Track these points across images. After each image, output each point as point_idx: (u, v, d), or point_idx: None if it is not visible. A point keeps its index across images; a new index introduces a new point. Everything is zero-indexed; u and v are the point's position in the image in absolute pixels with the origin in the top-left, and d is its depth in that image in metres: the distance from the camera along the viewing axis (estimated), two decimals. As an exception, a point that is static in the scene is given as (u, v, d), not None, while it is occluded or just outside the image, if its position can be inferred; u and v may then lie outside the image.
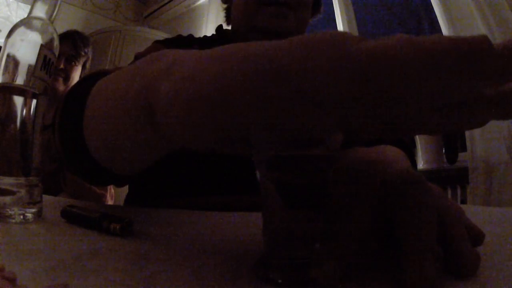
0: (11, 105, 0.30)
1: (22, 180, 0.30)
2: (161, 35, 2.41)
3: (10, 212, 0.28)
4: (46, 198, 0.33)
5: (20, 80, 0.30)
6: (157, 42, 0.63)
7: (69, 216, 0.30)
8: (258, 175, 0.19)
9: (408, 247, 0.19)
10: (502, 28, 1.48)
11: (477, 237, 0.22)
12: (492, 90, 0.17)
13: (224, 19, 0.72)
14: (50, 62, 0.32)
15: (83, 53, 1.33)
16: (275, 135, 0.18)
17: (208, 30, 2.42)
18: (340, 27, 2.00)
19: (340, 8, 2.03)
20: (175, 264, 0.21)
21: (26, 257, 0.20)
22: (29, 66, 0.30)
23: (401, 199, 0.20)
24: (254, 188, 0.23)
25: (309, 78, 0.16)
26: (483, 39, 0.13)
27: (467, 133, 1.60)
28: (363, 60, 0.15)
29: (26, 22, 0.31)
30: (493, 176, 1.46)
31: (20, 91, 0.30)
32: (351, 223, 0.20)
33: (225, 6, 0.70)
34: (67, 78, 1.28)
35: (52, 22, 0.33)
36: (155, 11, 2.97)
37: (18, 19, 0.32)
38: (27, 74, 0.30)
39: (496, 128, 1.44)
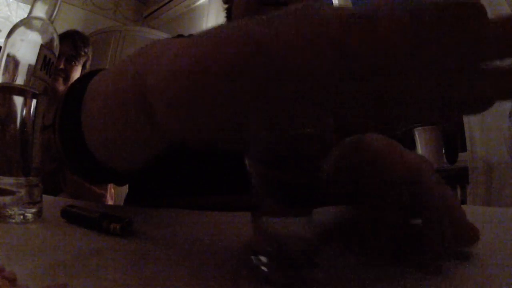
0: (11, 105, 0.30)
1: (22, 180, 0.30)
2: (161, 35, 2.41)
3: (10, 212, 0.28)
4: (46, 198, 0.33)
5: (20, 80, 0.30)
6: None
7: (69, 216, 0.30)
8: (248, 167, 0.19)
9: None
10: (502, 28, 1.48)
11: (471, 234, 0.23)
12: (493, 65, 0.16)
13: (224, 19, 0.72)
14: (50, 62, 0.32)
15: (83, 53, 1.33)
16: (265, 118, 0.18)
17: (208, 30, 2.42)
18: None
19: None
20: (175, 264, 0.21)
21: (26, 257, 0.20)
22: (29, 66, 0.30)
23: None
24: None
25: (286, 54, 0.16)
26: (475, 4, 0.13)
27: (467, 133, 1.60)
28: (336, 28, 0.14)
29: (26, 22, 0.31)
30: (493, 176, 1.46)
31: (20, 91, 0.30)
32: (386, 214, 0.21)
33: (225, 6, 0.70)
34: (67, 78, 1.28)
35: (52, 22, 0.33)
36: (155, 11, 2.97)
37: (18, 19, 0.32)
38: (27, 74, 0.30)
39: (496, 128, 1.44)
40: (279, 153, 0.18)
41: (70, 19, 2.52)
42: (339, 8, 0.15)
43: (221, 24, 0.20)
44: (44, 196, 0.32)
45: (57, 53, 0.33)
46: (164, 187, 0.50)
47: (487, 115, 1.52)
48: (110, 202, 1.18)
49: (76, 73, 1.31)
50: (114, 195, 1.21)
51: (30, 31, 0.31)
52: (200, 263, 0.21)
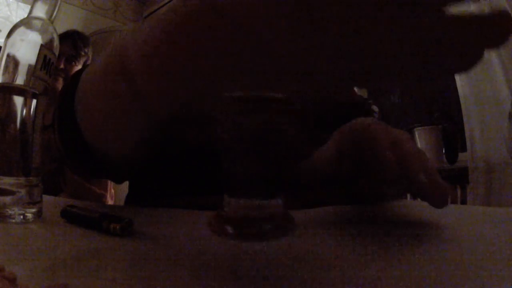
0: (11, 105, 0.30)
1: (22, 180, 0.30)
2: (161, 35, 2.40)
3: (10, 212, 0.28)
4: (46, 198, 0.33)
5: (20, 80, 0.30)
6: None
7: (69, 216, 0.30)
8: (218, 118, 0.19)
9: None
10: (502, 28, 1.48)
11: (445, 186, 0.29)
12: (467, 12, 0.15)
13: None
14: (50, 62, 0.32)
15: (83, 53, 1.33)
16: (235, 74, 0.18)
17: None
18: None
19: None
20: (175, 264, 0.21)
21: (26, 257, 0.20)
22: (29, 66, 0.30)
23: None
24: None
25: (248, 17, 0.16)
26: None
27: (467, 133, 1.60)
28: None
29: (26, 22, 0.31)
30: (493, 176, 1.46)
31: (20, 91, 0.30)
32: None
33: None
34: (67, 78, 1.28)
35: (52, 22, 0.33)
36: (155, 11, 2.96)
37: (18, 19, 0.32)
38: (27, 74, 0.30)
39: (496, 128, 1.44)
40: (246, 131, 0.18)
41: (70, 19, 2.51)
42: None
43: None
44: (44, 196, 0.32)
45: (57, 53, 0.33)
46: (164, 187, 0.50)
47: (487, 115, 1.52)
48: (110, 202, 1.18)
49: (76, 73, 1.31)
50: (114, 195, 1.21)
51: (30, 31, 0.31)
52: (200, 263, 0.21)
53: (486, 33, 0.14)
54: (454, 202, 1.55)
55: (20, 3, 2.30)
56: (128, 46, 0.25)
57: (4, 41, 0.30)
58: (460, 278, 0.19)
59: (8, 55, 0.30)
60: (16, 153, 0.30)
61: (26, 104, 0.30)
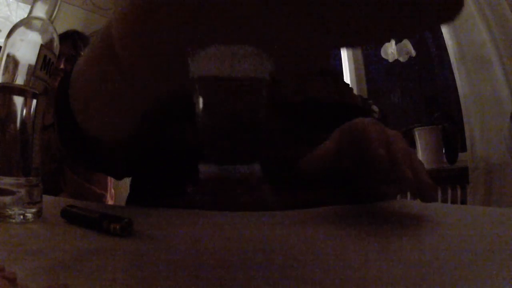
0: (11, 105, 0.30)
1: (22, 180, 0.30)
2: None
3: (10, 212, 0.28)
4: (46, 198, 0.33)
5: (20, 80, 0.30)
6: None
7: (69, 216, 0.30)
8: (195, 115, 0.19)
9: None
10: (502, 28, 1.48)
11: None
12: None
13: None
14: (50, 62, 0.32)
15: (83, 53, 1.33)
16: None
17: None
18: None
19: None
20: (175, 264, 0.21)
21: (26, 257, 0.20)
22: (29, 66, 0.30)
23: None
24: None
25: None
26: None
27: (467, 133, 1.60)
28: None
29: (26, 22, 0.31)
30: (493, 176, 1.46)
31: (20, 91, 0.30)
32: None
33: None
34: (67, 78, 1.28)
35: (52, 22, 0.33)
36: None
37: (18, 19, 0.32)
38: (27, 74, 0.30)
39: (496, 128, 1.44)
40: (221, 96, 0.18)
41: (70, 19, 2.51)
42: None
43: None
44: (44, 196, 0.32)
45: (57, 53, 0.33)
46: (164, 187, 0.50)
47: (487, 115, 1.52)
48: (110, 202, 1.18)
49: (76, 73, 1.31)
50: (114, 195, 1.21)
51: (30, 31, 0.31)
52: (200, 263, 0.21)
53: None
54: (454, 202, 1.55)
55: (20, 3, 2.30)
56: (111, 24, 0.25)
57: (4, 41, 0.30)
58: (460, 278, 0.19)
59: (8, 55, 0.30)
60: (16, 153, 0.30)
61: (26, 104, 0.30)
